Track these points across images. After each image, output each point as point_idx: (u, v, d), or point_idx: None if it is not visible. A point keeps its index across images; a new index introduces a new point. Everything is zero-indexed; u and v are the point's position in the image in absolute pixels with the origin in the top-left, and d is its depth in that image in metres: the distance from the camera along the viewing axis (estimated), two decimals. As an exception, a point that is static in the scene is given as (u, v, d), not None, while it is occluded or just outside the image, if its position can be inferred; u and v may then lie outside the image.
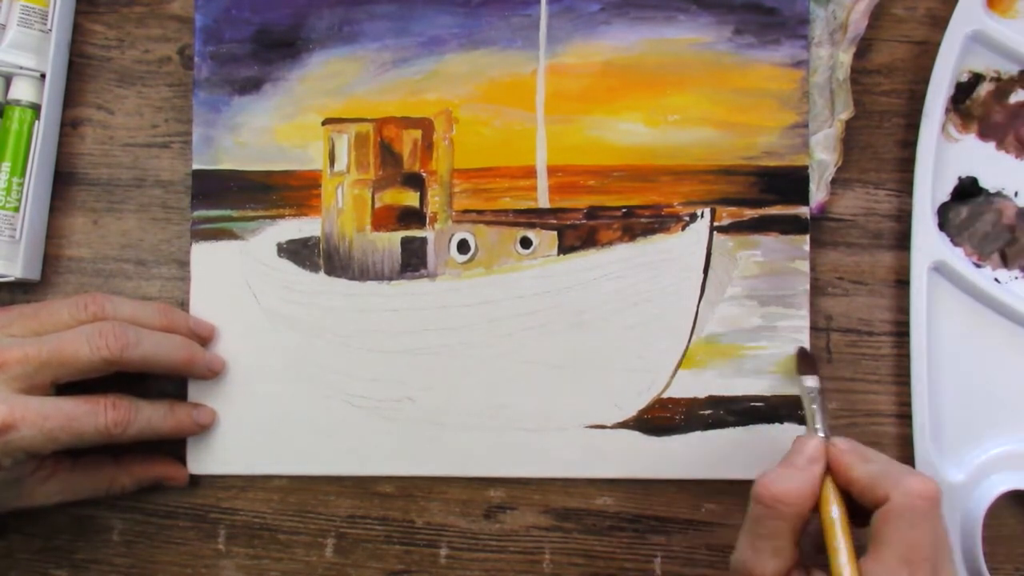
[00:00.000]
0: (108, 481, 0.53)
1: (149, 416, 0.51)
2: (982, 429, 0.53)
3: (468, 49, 0.55)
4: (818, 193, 0.54)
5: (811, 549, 0.45)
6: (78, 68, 0.57)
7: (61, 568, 0.56)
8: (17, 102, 0.55)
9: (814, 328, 0.54)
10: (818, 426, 0.47)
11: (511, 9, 0.55)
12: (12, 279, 0.54)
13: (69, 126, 0.57)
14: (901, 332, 0.55)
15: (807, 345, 0.53)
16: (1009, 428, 0.53)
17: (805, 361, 0.51)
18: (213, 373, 0.54)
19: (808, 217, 0.53)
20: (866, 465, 0.44)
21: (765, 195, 0.54)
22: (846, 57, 0.53)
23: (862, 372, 0.55)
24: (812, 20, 0.54)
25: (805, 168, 0.54)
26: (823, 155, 0.54)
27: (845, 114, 0.53)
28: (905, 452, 0.54)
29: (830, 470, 0.45)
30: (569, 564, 0.55)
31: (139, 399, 0.51)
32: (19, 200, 0.55)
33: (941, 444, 0.53)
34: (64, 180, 0.57)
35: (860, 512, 0.44)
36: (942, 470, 0.53)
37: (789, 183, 0.54)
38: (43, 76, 0.55)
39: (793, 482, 0.44)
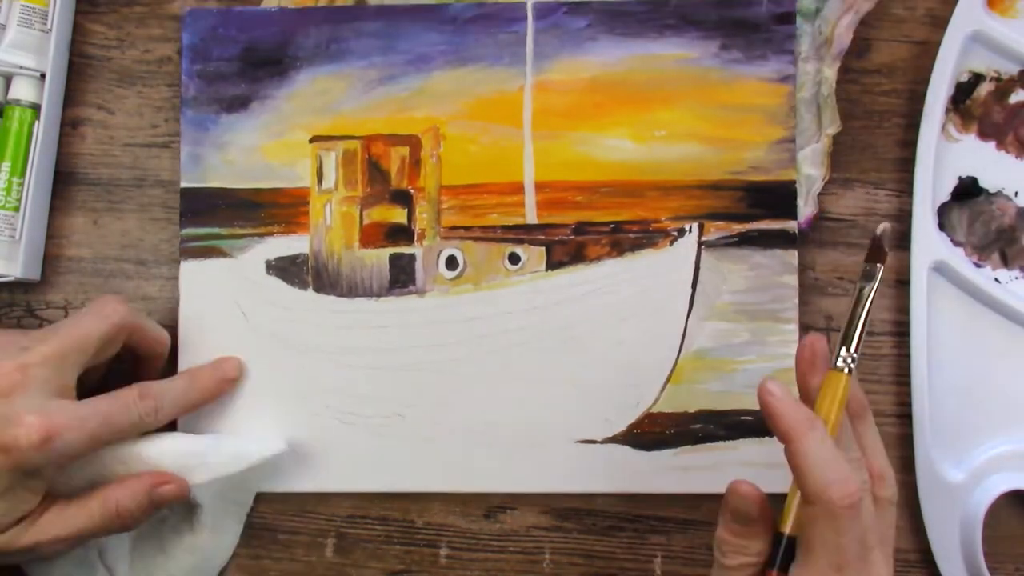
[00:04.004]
0: (101, 509, 0.49)
1: (175, 396, 0.51)
2: (982, 429, 0.53)
3: (455, 66, 0.55)
4: (806, 208, 0.54)
5: None
6: (78, 68, 0.58)
7: (61, 570, 0.56)
8: (17, 102, 0.55)
9: (814, 328, 0.55)
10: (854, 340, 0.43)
11: (498, 26, 0.55)
12: (12, 279, 0.55)
13: (69, 126, 0.57)
14: (901, 332, 0.55)
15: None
16: (1009, 428, 0.54)
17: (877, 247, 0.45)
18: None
19: (796, 232, 0.53)
20: (800, 444, 0.41)
21: (753, 210, 0.54)
22: (831, 72, 0.53)
23: (862, 372, 0.55)
24: (799, 35, 0.54)
25: (793, 183, 0.54)
26: (810, 170, 0.54)
27: (832, 129, 0.53)
28: (905, 452, 0.54)
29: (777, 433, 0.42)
30: (569, 564, 0.55)
31: (159, 381, 0.51)
32: (19, 200, 0.55)
33: (941, 444, 0.53)
34: (64, 180, 0.57)
35: None
36: (942, 470, 0.53)
37: (777, 198, 0.54)
38: (43, 76, 0.56)
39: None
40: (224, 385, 0.54)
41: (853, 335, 0.43)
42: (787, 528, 0.43)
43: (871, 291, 0.44)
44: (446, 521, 0.55)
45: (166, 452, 0.50)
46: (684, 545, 0.55)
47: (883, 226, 0.45)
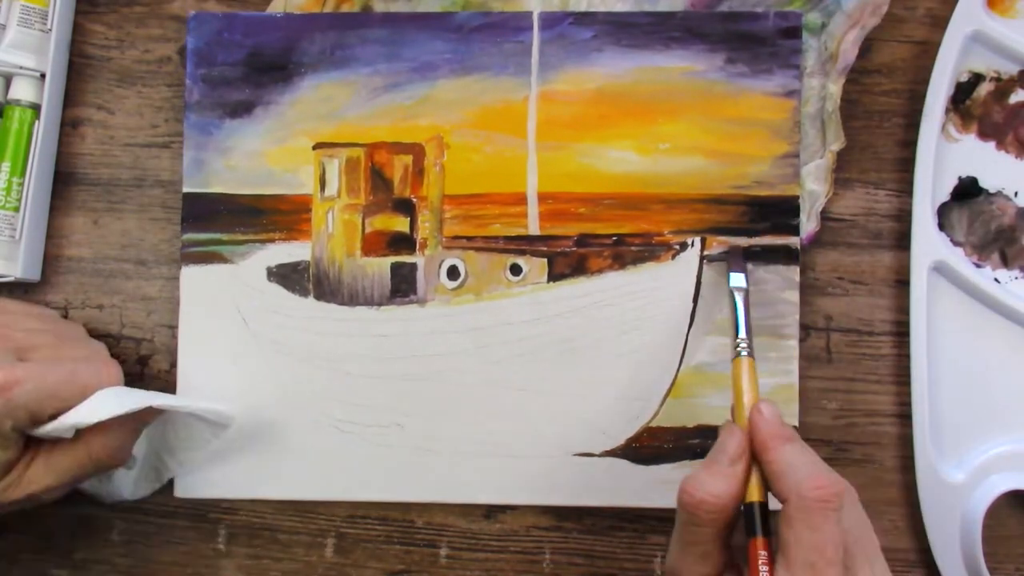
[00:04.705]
0: (86, 452, 0.49)
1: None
2: (982, 429, 0.54)
3: (460, 75, 0.55)
4: (808, 223, 0.54)
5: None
6: (78, 68, 0.58)
7: (61, 568, 0.56)
8: (17, 102, 0.55)
9: (814, 328, 0.55)
10: (742, 341, 0.47)
11: (503, 35, 0.54)
12: (12, 279, 0.55)
13: (69, 126, 0.57)
14: (901, 332, 0.55)
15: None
16: (1009, 428, 0.54)
17: (735, 257, 0.52)
18: None
19: (798, 247, 0.53)
20: (777, 452, 0.42)
21: (755, 224, 0.54)
22: (836, 88, 0.53)
23: (862, 372, 0.55)
24: (805, 50, 0.54)
25: (796, 198, 0.53)
26: (814, 186, 0.53)
27: (836, 145, 0.53)
28: (905, 452, 0.54)
29: (753, 446, 0.44)
30: (569, 564, 0.55)
31: None
32: (19, 200, 0.55)
33: (941, 444, 0.53)
34: (64, 180, 0.57)
35: None
36: (942, 470, 0.53)
37: (780, 213, 0.53)
38: (43, 76, 0.56)
39: (716, 487, 0.42)
40: None
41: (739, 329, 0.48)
42: (757, 496, 0.43)
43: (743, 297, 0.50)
44: (446, 521, 0.56)
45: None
46: (684, 545, 0.55)
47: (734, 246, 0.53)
